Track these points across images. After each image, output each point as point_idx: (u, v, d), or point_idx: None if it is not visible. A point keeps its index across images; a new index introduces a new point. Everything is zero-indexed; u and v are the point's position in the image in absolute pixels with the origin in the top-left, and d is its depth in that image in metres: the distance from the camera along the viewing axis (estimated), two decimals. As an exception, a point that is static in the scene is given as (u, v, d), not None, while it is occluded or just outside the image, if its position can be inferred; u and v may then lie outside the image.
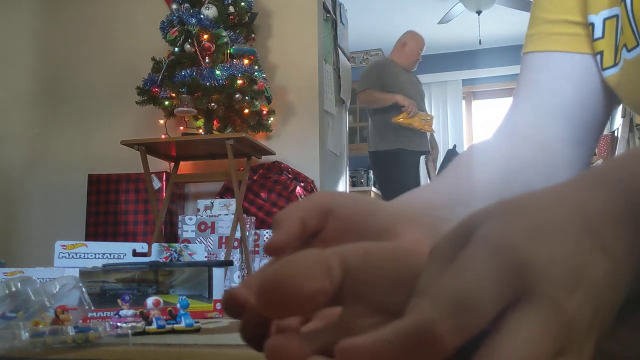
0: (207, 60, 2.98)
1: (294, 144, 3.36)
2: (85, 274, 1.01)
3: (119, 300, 0.88)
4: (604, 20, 0.57)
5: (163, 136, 3.17)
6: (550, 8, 0.62)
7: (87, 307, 0.76)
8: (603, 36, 0.57)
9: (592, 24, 0.58)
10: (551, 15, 0.62)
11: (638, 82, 0.54)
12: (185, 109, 2.94)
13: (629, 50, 0.54)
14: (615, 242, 0.22)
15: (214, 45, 3.00)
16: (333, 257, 0.25)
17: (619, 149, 4.05)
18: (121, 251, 1.11)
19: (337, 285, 0.24)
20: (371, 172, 5.55)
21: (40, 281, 0.80)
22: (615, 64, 0.56)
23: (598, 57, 0.58)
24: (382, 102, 3.67)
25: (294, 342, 0.25)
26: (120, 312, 0.85)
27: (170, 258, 1.17)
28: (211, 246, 2.88)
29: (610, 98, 0.60)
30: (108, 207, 3.25)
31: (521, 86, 0.63)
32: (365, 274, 0.25)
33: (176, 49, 3.00)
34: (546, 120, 0.60)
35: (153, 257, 1.16)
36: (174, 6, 3.14)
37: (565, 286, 0.20)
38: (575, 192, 0.24)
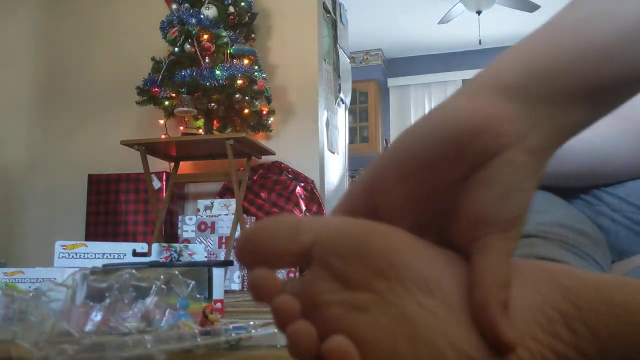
0: (207, 60, 2.98)
1: (294, 144, 3.36)
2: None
3: (119, 300, 0.88)
4: None
5: (163, 136, 3.17)
6: None
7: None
8: None
9: None
10: None
11: None
12: (185, 109, 2.94)
13: None
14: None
15: (214, 45, 3.00)
16: (308, 224, 0.29)
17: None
18: (121, 251, 1.11)
19: (303, 249, 0.28)
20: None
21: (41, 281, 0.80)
22: None
23: None
24: None
25: (273, 277, 0.28)
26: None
27: (170, 258, 1.17)
28: (211, 246, 2.88)
29: None
30: (108, 207, 3.25)
31: None
32: (332, 245, 0.28)
33: (176, 49, 3.00)
34: None
35: (153, 257, 1.16)
36: (174, 6, 3.14)
37: None
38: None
